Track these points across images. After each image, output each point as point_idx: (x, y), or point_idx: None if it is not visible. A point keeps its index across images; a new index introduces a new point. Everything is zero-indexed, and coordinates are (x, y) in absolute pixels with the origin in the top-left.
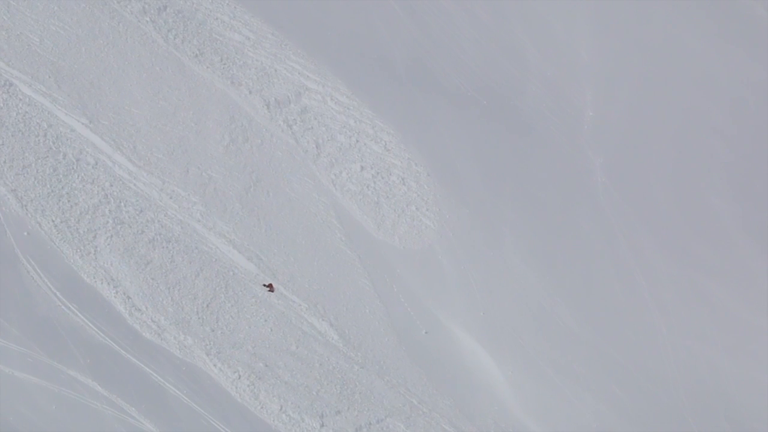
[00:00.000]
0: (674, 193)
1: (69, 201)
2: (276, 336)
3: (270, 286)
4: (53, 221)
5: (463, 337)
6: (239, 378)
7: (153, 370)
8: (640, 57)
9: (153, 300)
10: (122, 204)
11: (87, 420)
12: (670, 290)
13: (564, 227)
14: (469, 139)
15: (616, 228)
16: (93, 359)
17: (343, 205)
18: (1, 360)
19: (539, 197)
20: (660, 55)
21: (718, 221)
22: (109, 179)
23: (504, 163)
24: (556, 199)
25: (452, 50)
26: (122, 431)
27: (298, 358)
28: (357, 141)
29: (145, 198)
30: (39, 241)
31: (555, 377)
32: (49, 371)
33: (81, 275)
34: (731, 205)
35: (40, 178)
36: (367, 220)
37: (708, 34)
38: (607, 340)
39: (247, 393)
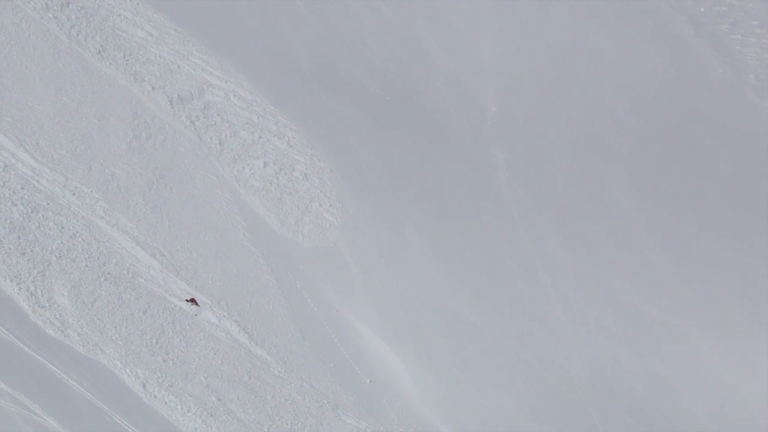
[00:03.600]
0: (578, 189)
1: None
2: (227, 367)
3: (193, 300)
4: None
5: (367, 333)
6: (191, 414)
7: (56, 367)
8: (543, 52)
9: (102, 335)
10: (43, 218)
11: None
12: (573, 286)
13: (467, 223)
14: (372, 136)
15: (519, 223)
16: None
17: (246, 201)
18: None
19: (443, 193)
20: (563, 51)
21: (622, 217)
22: (19, 182)
23: (407, 159)
24: (459, 194)
25: (355, 46)
26: (26, 428)
27: (251, 390)
28: (260, 137)
29: (56, 201)
30: None
31: (459, 374)
32: None
33: None
34: (635, 201)
35: None
36: (270, 216)
37: (611, 29)
38: (511, 336)
39: (199, 430)
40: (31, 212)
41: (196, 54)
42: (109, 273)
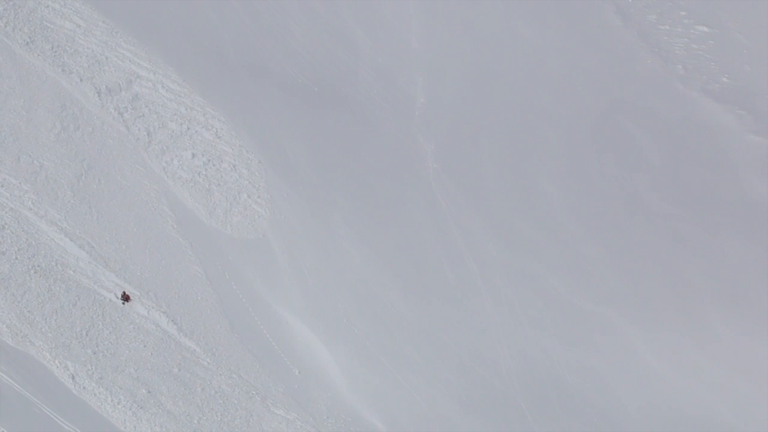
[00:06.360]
0: (505, 179)
1: None
2: (157, 359)
3: (125, 295)
4: None
5: (296, 323)
6: (121, 406)
7: None
8: (471, 43)
9: (32, 327)
10: None
11: None
12: (501, 276)
13: (396, 213)
14: (300, 126)
15: (447, 214)
16: None
17: (174, 192)
18: None
19: (371, 184)
20: (490, 41)
21: (549, 207)
22: None
23: (335, 150)
24: (387, 185)
25: (283, 38)
26: None
27: (181, 381)
28: (188, 128)
29: None
30: None
31: (388, 364)
32: None
33: None
34: (562, 191)
35: None
36: (198, 207)
37: (538, 19)
38: (439, 326)
39: (129, 422)
40: None
41: (124, 45)
42: (38, 265)
